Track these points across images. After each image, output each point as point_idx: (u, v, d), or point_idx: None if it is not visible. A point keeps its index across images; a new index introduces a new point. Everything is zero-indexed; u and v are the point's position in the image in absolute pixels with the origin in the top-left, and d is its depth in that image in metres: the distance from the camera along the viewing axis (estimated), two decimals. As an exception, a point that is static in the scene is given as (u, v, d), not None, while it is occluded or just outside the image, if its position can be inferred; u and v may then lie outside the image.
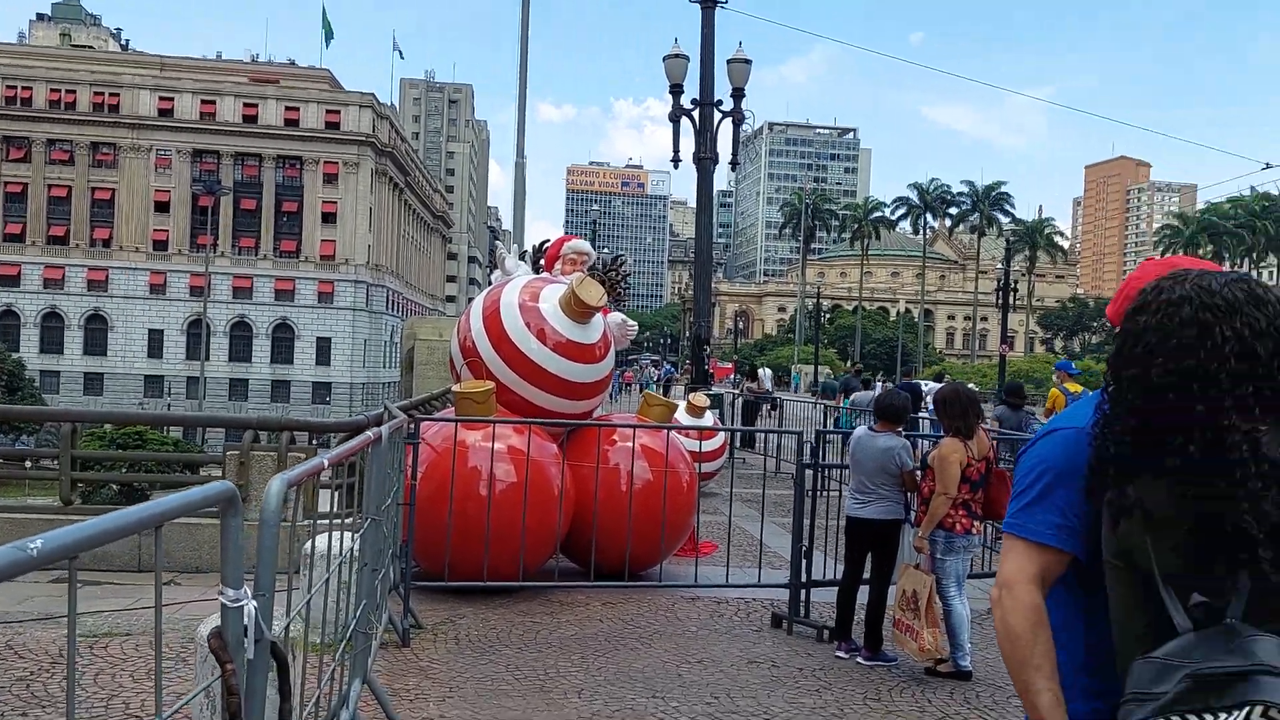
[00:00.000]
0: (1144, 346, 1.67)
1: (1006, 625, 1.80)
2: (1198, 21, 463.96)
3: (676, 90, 15.96)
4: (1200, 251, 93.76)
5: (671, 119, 16.01)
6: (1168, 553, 1.61)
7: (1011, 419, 11.71)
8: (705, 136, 15.89)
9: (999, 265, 60.64)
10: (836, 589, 6.47)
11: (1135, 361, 1.68)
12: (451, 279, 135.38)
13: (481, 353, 7.75)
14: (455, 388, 7.87)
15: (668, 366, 65.55)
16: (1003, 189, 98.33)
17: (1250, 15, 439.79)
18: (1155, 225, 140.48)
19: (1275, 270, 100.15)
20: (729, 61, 16.27)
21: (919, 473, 6.18)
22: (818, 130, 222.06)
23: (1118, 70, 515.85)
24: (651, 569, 7.65)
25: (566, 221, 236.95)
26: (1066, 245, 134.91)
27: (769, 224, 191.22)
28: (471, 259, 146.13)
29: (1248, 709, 1.43)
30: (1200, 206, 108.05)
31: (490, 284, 8.97)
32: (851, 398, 17.93)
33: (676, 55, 16.14)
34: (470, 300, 12.14)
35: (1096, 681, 1.80)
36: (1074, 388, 12.27)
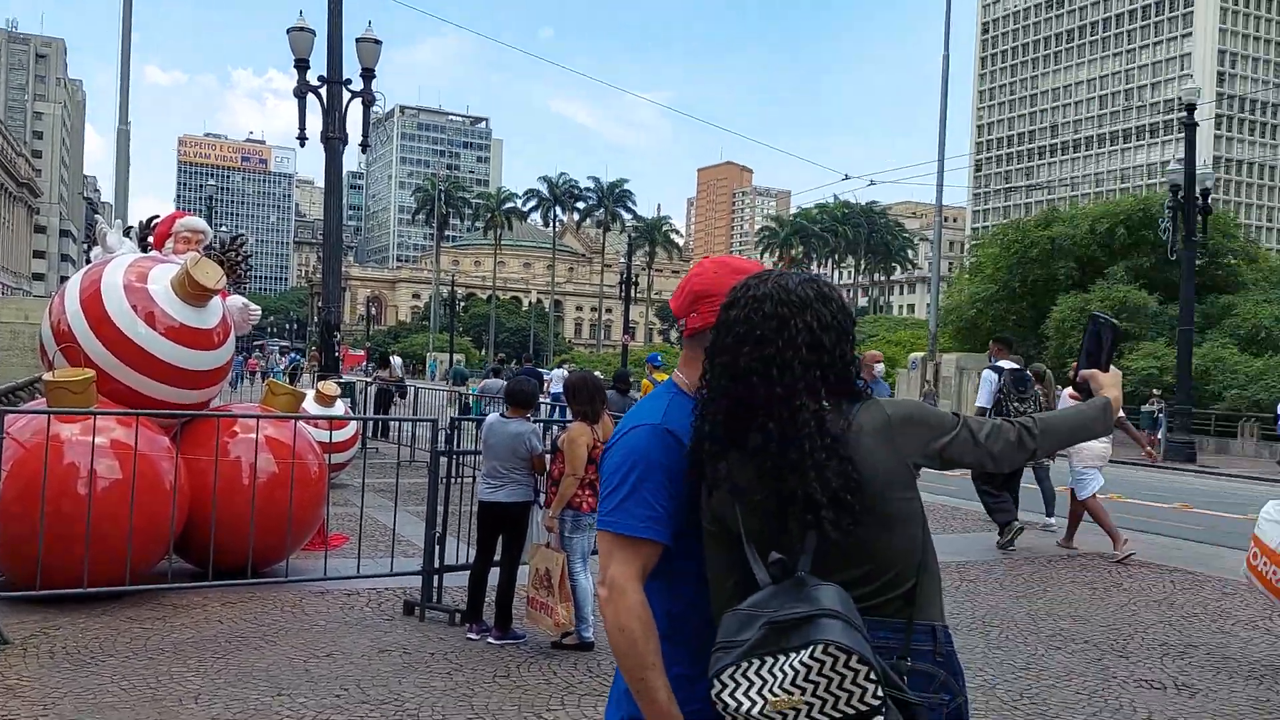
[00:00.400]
0: (733, 337, 1.88)
1: (621, 628, 1.87)
2: (796, 42, 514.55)
3: (302, 65, 15.27)
4: (794, 251, 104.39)
5: (297, 95, 15.30)
6: (752, 518, 1.83)
7: (619, 403, 12.53)
8: (333, 115, 15.35)
9: (622, 259, 63.75)
10: (469, 573, 6.58)
11: (726, 350, 1.88)
12: (40, 254, 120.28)
13: (79, 337, 7.02)
14: (47, 376, 7.07)
15: (293, 354, 62.56)
16: (625, 186, 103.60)
17: (834, 44, 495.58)
18: (756, 226, 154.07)
19: (853, 269, 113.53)
20: (358, 40, 15.83)
21: (548, 456, 6.43)
22: (451, 117, 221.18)
23: (728, 81, 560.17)
24: (278, 565, 7.34)
25: (178, 196, 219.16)
26: (682, 242, 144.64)
27: (402, 209, 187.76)
28: (65, 233, 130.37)
29: (812, 647, 1.65)
30: (794, 211, 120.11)
31: (89, 262, 8.13)
32: (481, 385, 18.23)
33: (302, 29, 15.45)
34: (64, 279, 10.90)
35: (678, 650, 1.93)
36: (661, 377, 13.38)
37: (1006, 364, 10.45)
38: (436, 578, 6.89)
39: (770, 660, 1.67)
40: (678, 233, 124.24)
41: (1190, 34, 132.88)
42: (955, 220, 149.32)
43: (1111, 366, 2.24)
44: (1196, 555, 10.37)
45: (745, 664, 1.68)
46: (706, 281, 2.08)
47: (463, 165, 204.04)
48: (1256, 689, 5.75)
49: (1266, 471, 23.77)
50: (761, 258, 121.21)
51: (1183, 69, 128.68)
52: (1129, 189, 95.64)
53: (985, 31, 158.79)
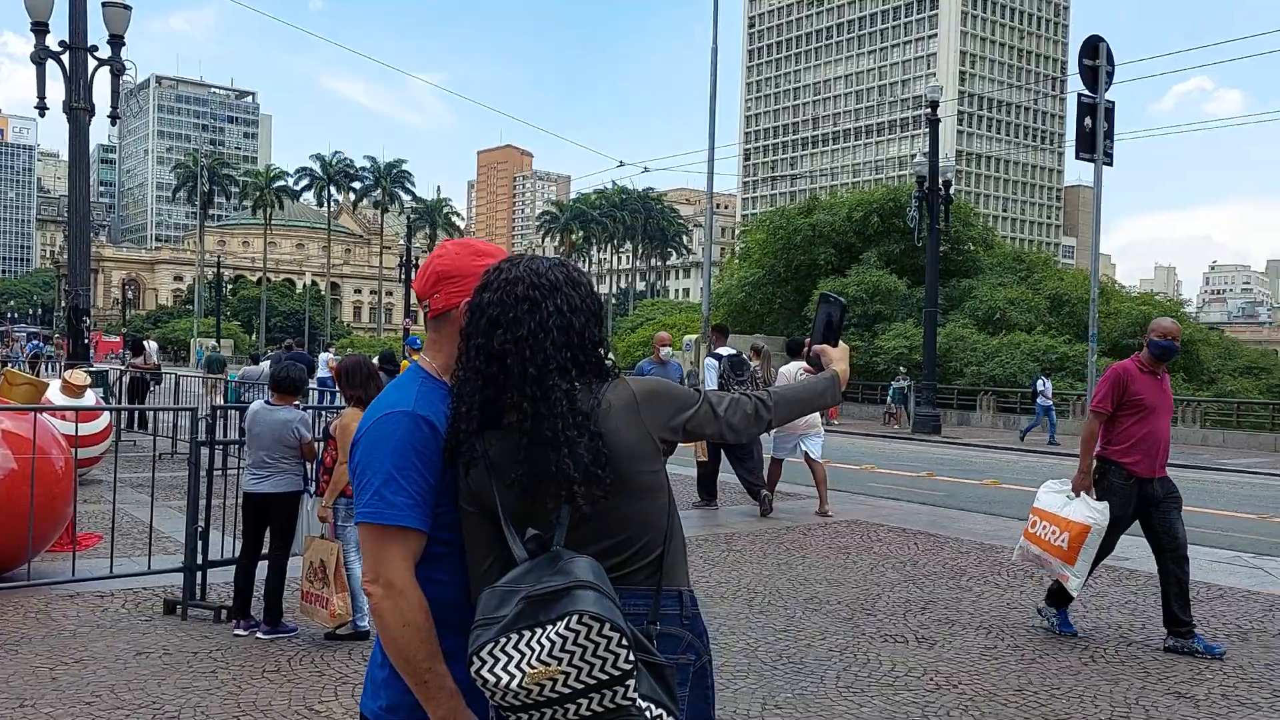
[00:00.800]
0: (487, 319, 1.91)
1: (407, 623, 1.86)
2: (574, 28, 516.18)
3: (40, 29, 14.04)
4: (574, 236, 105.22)
5: (35, 61, 14.06)
6: (508, 494, 1.89)
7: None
8: (78, 84, 14.21)
9: (402, 241, 62.26)
10: (234, 568, 6.34)
11: (480, 332, 1.92)
12: None
13: None
14: None
15: (35, 341, 57.51)
16: (404, 167, 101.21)
17: (611, 32, 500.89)
18: (537, 211, 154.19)
19: (631, 254, 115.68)
20: (105, 5, 14.70)
21: (319, 444, 6.28)
22: (214, 90, 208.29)
23: (506, 63, 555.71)
24: (18, 569, 6.82)
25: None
26: (463, 225, 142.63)
27: (161, 186, 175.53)
28: None
29: (567, 618, 1.69)
30: (574, 196, 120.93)
31: None
32: (241, 371, 17.48)
33: (40, -11, 14.19)
34: None
35: (441, 632, 1.91)
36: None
37: (725, 350, 11.48)
38: (200, 574, 6.60)
39: (528, 634, 1.71)
40: (459, 215, 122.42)
41: (936, 35, 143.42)
42: (726, 207, 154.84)
43: (840, 341, 2.42)
44: (938, 519, 11.31)
45: (504, 639, 1.71)
46: (449, 263, 2.09)
47: (228, 141, 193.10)
48: (986, 638, 6.37)
49: (1002, 441, 26.13)
50: (543, 242, 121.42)
51: (929, 68, 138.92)
52: (883, 179, 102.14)
53: (752, 25, 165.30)
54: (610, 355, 2.06)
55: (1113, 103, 9.53)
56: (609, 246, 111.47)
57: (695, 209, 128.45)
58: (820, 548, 9.31)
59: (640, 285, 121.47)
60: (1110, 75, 9.47)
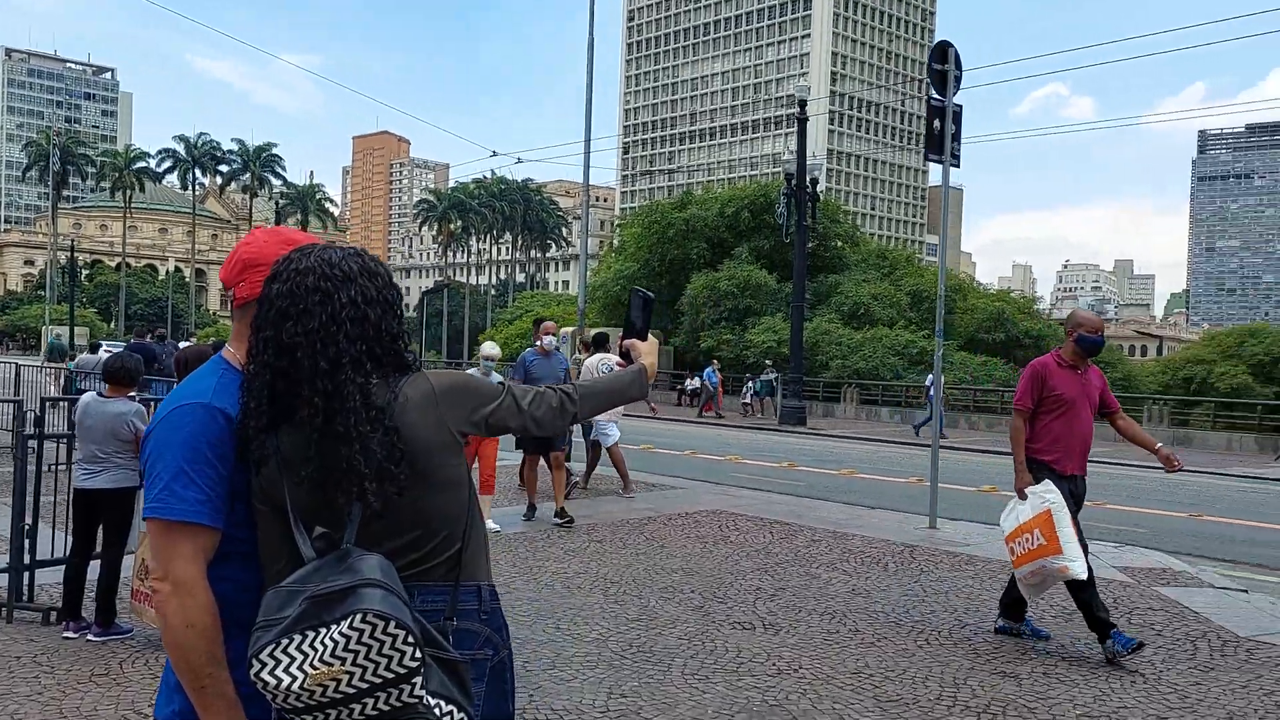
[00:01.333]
0: (276, 311, 1.87)
1: (191, 624, 1.79)
2: (451, 15, 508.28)
3: None
4: (453, 225, 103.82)
5: None
6: (298, 491, 1.85)
7: None
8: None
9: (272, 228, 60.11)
10: (64, 567, 6.07)
11: (270, 324, 1.87)
12: None
13: None
14: None
15: None
16: (274, 151, 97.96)
17: (491, 19, 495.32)
18: (415, 199, 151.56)
19: (510, 245, 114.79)
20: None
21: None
22: (69, 65, 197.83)
23: (383, 46, 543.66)
24: None
25: None
26: (338, 212, 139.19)
27: (11, 164, 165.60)
28: None
29: (351, 617, 1.67)
30: (452, 185, 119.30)
31: None
32: (76, 361, 16.71)
33: None
34: None
35: (229, 634, 1.86)
36: None
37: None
38: (28, 574, 6.29)
39: (311, 634, 1.68)
40: (332, 202, 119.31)
41: (809, 35, 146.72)
42: (605, 200, 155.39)
43: (650, 335, 2.46)
44: (795, 508, 11.60)
45: (285, 640, 1.68)
46: (256, 250, 2.03)
47: (85, 119, 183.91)
48: (830, 623, 6.58)
49: (864, 432, 26.98)
50: (420, 230, 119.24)
51: (802, 67, 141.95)
52: (759, 176, 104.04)
53: (631, 19, 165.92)
54: (410, 348, 2.03)
55: (960, 106, 9.92)
56: (488, 237, 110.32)
57: (575, 201, 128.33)
58: (680, 537, 9.45)
59: (520, 277, 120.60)
60: (958, 80, 9.84)
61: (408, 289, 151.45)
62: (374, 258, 2.01)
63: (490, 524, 8.92)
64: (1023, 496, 6.06)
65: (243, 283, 2.03)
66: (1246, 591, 7.91)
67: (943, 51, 9.96)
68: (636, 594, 7.20)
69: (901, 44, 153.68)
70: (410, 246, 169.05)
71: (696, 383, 36.81)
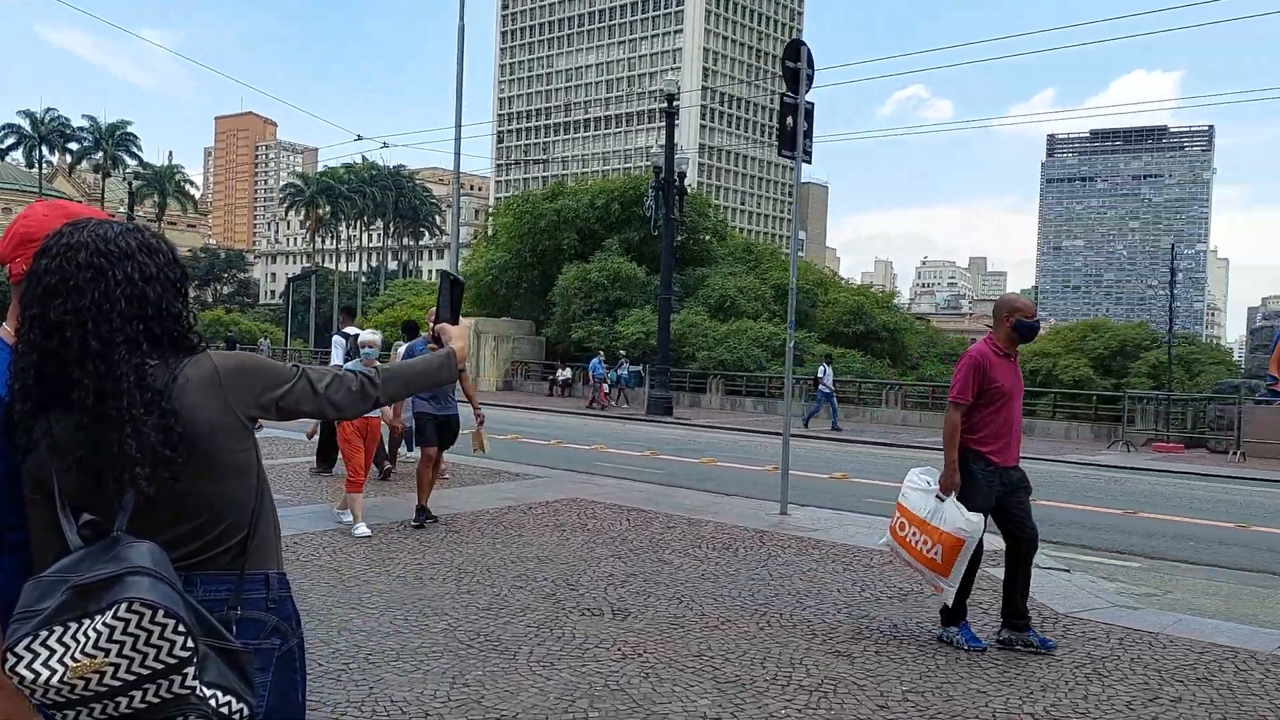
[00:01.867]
0: (44, 288, 1.79)
1: None
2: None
3: None
4: (321, 210, 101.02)
5: None
6: (66, 477, 1.78)
7: None
8: None
9: (125, 209, 57.67)
10: None
11: (37, 301, 1.80)
12: None
13: None
14: None
15: None
16: (129, 129, 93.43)
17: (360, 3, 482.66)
18: (282, 182, 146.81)
19: (382, 232, 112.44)
20: None
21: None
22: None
23: (249, 27, 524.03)
24: None
25: None
26: (198, 195, 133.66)
27: None
28: None
29: (116, 606, 1.61)
30: (321, 169, 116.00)
31: None
32: None
33: None
34: None
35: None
36: None
37: (351, 330, 12.60)
38: None
39: (73, 625, 1.62)
40: (193, 184, 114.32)
41: (681, 30, 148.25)
42: (480, 189, 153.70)
43: (462, 319, 2.45)
44: (652, 495, 11.76)
45: (44, 632, 1.62)
46: (33, 225, 1.97)
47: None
48: (677, 608, 6.69)
49: (728, 421, 27.46)
50: (287, 215, 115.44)
51: (675, 62, 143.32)
52: (632, 168, 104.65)
53: (506, 7, 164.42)
54: (195, 327, 1.96)
55: (812, 104, 10.20)
56: (359, 223, 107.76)
57: (448, 189, 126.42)
58: (537, 526, 9.46)
59: (393, 264, 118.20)
60: (810, 78, 10.12)
61: (274, 275, 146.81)
62: (156, 234, 1.95)
63: (361, 528, 8.74)
64: (945, 494, 5.88)
65: (19, 258, 1.95)
66: (1069, 571, 8.40)
67: (795, 50, 10.22)
68: (489, 583, 7.18)
69: (771, 42, 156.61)
70: (276, 231, 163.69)
71: (568, 373, 36.87)
